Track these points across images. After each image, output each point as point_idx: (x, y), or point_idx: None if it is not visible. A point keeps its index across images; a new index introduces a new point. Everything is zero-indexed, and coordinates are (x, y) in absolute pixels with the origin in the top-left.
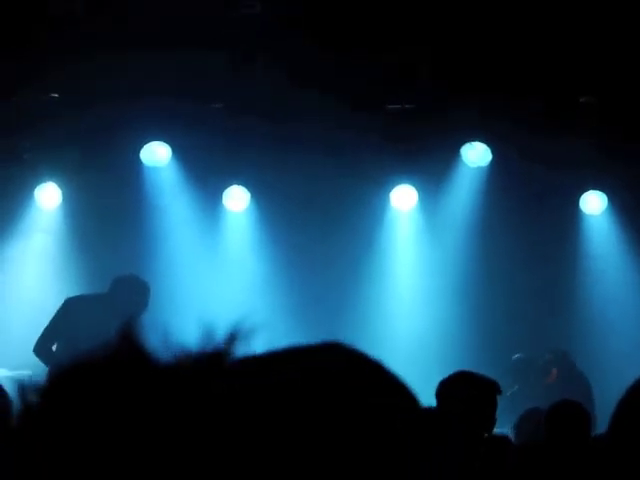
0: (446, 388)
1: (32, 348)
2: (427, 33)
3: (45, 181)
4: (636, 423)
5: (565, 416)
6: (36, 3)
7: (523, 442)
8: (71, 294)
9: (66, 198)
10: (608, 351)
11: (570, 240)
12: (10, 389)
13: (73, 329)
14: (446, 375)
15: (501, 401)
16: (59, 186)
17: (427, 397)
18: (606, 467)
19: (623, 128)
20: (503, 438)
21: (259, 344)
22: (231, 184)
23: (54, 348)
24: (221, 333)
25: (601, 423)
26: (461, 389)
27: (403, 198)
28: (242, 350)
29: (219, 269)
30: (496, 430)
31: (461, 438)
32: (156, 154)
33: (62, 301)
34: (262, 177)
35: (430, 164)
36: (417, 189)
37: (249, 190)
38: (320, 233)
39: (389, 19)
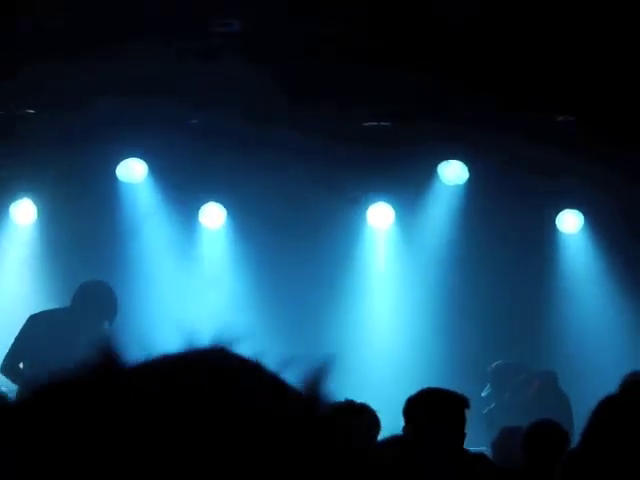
0: (413, 406)
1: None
2: (404, 50)
3: (20, 197)
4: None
5: (544, 438)
6: (10, 17)
7: (501, 463)
8: (44, 309)
9: (42, 214)
10: (584, 367)
11: (547, 258)
12: None
13: (39, 346)
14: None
15: (479, 418)
16: (34, 202)
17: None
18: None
19: (600, 147)
20: (480, 456)
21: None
22: (207, 201)
23: (21, 366)
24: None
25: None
26: (427, 406)
27: (380, 216)
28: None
29: (195, 286)
30: (475, 448)
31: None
32: (132, 170)
33: (27, 319)
34: (239, 194)
35: (407, 182)
36: (394, 207)
37: (225, 207)
38: (296, 251)
39: (371, 37)
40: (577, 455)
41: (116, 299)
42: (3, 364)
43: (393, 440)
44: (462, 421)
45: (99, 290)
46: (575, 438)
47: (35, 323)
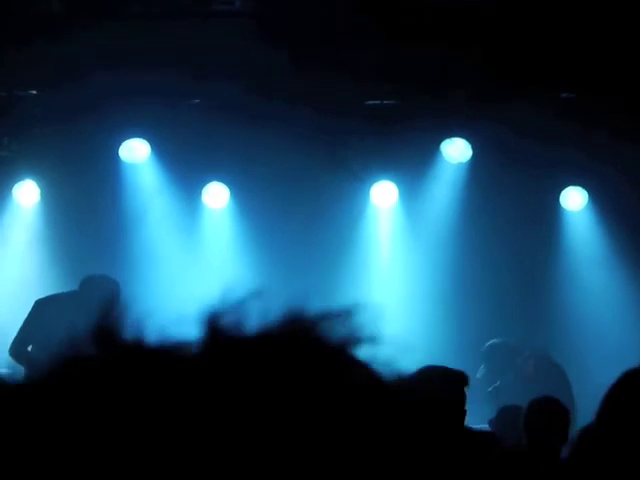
0: (411, 383)
1: (7, 350)
2: (408, 28)
3: (23, 179)
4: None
5: (545, 415)
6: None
7: (503, 444)
8: (49, 291)
9: (45, 196)
10: (588, 345)
11: (551, 236)
12: None
13: (46, 330)
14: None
15: (484, 396)
16: (37, 184)
17: None
18: (595, 457)
19: (604, 124)
20: (490, 435)
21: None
22: (210, 180)
23: (29, 349)
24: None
25: (582, 417)
26: (426, 382)
27: (383, 194)
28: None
29: (199, 266)
30: (479, 426)
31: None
32: (135, 151)
33: (33, 303)
34: (242, 173)
35: (410, 160)
36: (397, 185)
37: (229, 187)
38: (300, 230)
39: (371, 15)
40: (592, 432)
41: (120, 295)
42: (11, 348)
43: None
44: (462, 398)
45: (107, 283)
46: (578, 411)
47: (41, 308)
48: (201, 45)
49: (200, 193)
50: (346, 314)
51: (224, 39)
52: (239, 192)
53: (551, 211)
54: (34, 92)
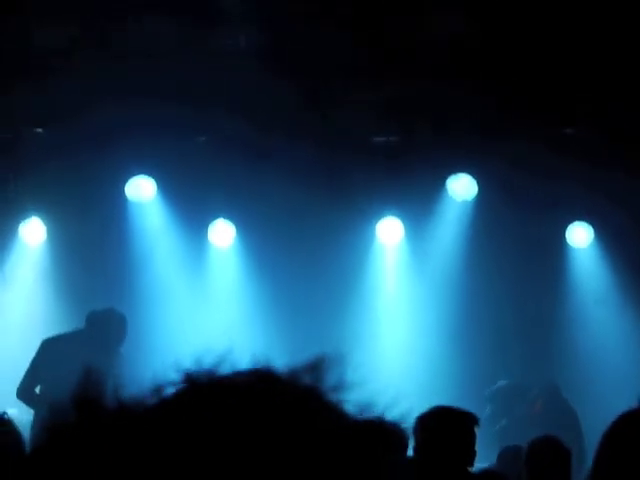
0: (422, 423)
1: (15, 393)
2: (411, 65)
3: (29, 217)
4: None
5: (545, 453)
6: (21, 36)
7: None
8: (56, 329)
9: (51, 234)
10: (595, 383)
11: (557, 272)
12: None
13: (53, 370)
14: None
15: (490, 435)
16: (43, 222)
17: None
18: None
19: (609, 160)
20: (491, 473)
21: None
22: (216, 218)
23: (37, 390)
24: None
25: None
26: (437, 423)
27: (389, 230)
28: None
29: (205, 304)
30: (480, 465)
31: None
32: (141, 189)
33: (40, 343)
34: (248, 210)
35: (416, 197)
36: (403, 221)
37: (235, 224)
38: (306, 266)
39: (378, 53)
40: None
41: (126, 325)
42: (20, 390)
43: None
44: (472, 439)
45: (113, 316)
46: (587, 452)
47: (48, 347)
48: (206, 82)
49: (206, 230)
50: (317, 363)
51: (229, 76)
52: (245, 229)
53: (557, 247)
54: (39, 130)
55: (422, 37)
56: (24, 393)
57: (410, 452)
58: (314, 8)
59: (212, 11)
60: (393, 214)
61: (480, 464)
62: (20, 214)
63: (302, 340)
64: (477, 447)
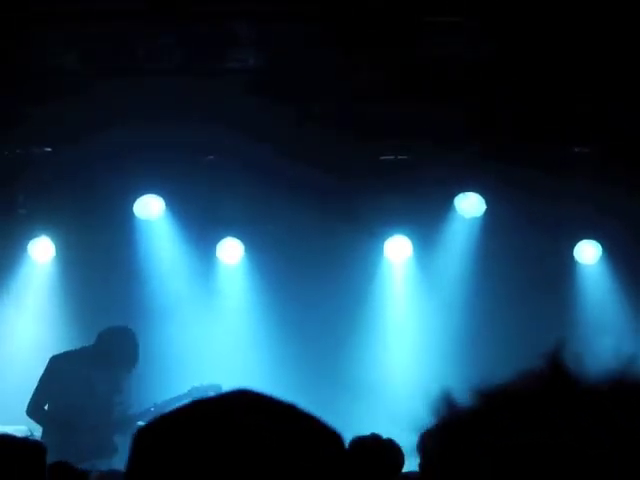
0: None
1: (25, 410)
2: (420, 84)
3: (39, 235)
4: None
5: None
6: (32, 54)
7: None
8: (64, 348)
9: (60, 252)
10: None
11: (565, 289)
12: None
13: (62, 386)
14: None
15: None
16: (52, 240)
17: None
18: None
19: (617, 177)
20: None
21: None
22: (225, 236)
23: (47, 407)
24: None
25: None
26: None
27: (397, 249)
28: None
29: (213, 322)
30: None
31: None
32: (149, 207)
33: (48, 360)
34: (256, 229)
35: (424, 215)
36: (411, 240)
37: (243, 242)
38: (315, 284)
39: (385, 71)
40: None
41: (137, 348)
42: (29, 408)
43: (410, 476)
44: None
45: (123, 337)
46: None
47: (57, 364)
48: (215, 102)
49: (214, 248)
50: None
51: (238, 96)
52: (253, 248)
53: (565, 264)
54: (49, 150)
55: (430, 56)
56: (34, 410)
57: (415, 468)
58: (321, 31)
59: (223, 34)
60: (401, 232)
61: None
62: (29, 232)
63: (311, 357)
64: None
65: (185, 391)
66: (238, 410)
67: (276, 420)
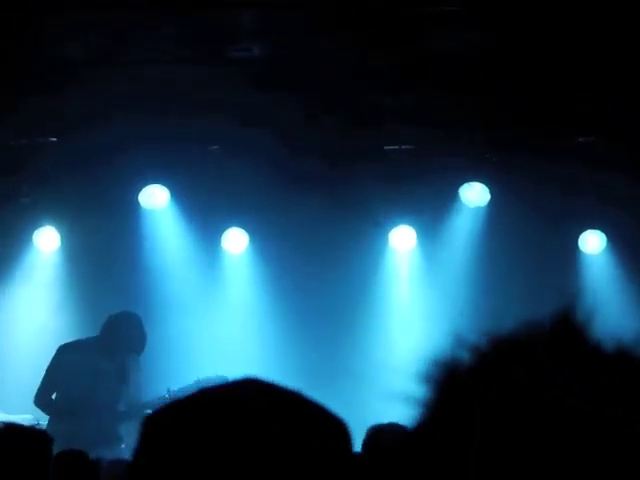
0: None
1: (32, 400)
2: (423, 74)
3: (43, 225)
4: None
5: None
6: (37, 46)
7: None
8: (70, 337)
9: (64, 242)
10: None
11: (569, 279)
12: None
13: (69, 376)
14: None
15: None
16: (58, 230)
17: None
18: None
19: (622, 167)
20: None
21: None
22: (230, 226)
23: (54, 396)
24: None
25: None
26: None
27: (402, 238)
28: None
29: (218, 312)
30: None
31: None
32: (154, 197)
33: (56, 349)
34: (261, 219)
35: (429, 205)
36: (416, 229)
37: (248, 232)
38: (319, 274)
39: (389, 61)
40: None
41: (145, 332)
42: (36, 397)
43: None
44: None
45: (129, 323)
46: None
47: (64, 353)
48: (219, 91)
49: (220, 238)
50: None
51: (242, 85)
52: (258, 237)
53: (569, 254)
54: (54, 139)
55: (436, 48)
56: (41, 400)
57: None
58: (328, 20)
59: (226, 23)
60: (406, 221)
61: None
62: (34, 222)
63: (315, 346)
64: None
65: (191, 382)
66: (245, 397)
67: (282, 407)
